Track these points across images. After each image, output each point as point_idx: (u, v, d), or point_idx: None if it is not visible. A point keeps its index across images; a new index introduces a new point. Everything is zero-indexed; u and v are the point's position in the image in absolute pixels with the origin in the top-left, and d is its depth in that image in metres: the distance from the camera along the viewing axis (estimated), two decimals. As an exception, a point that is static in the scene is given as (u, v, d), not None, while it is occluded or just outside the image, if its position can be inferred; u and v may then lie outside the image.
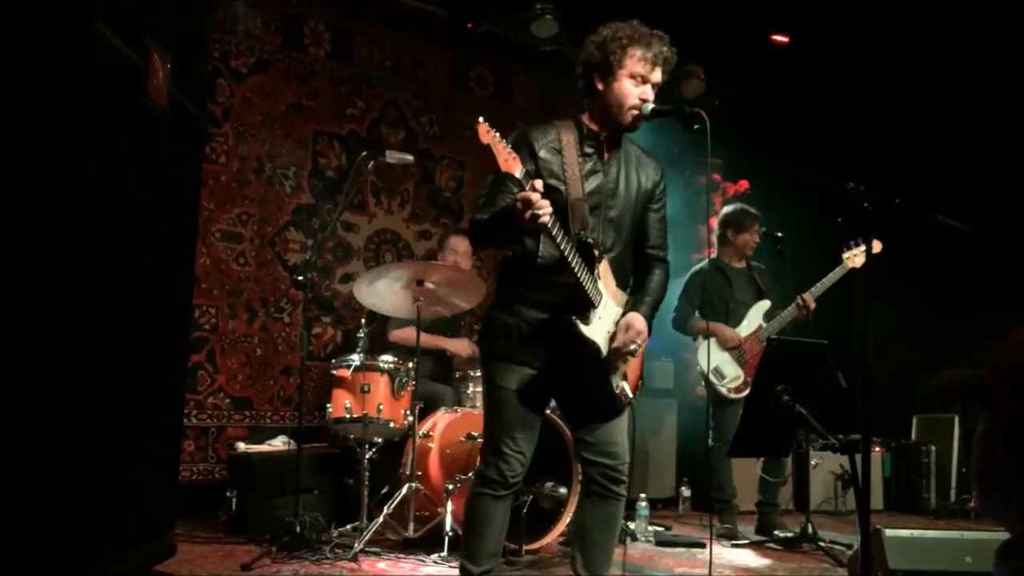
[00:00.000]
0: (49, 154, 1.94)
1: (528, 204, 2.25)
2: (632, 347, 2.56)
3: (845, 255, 4.55)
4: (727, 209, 4.99)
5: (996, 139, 5.86)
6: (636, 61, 2.53)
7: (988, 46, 5.60)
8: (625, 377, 2.64)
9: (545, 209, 2.27)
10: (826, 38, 6.00)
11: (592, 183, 2.58)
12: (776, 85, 6.26)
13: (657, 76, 2.57)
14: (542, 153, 2.54)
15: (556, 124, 2.62)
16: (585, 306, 2.50)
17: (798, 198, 5.73)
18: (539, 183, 2.30)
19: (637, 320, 2.59)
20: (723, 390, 4.62)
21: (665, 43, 2.57)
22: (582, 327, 2.48)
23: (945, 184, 5.56)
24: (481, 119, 2.25)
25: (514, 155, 2.28)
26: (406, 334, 4.44)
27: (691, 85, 6.02)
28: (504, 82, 6.40)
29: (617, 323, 2.59)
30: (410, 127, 5.92)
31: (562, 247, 2.39)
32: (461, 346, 4.76)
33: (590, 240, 2.52)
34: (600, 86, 2.57)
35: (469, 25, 5.83)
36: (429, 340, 4.60)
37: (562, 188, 2.53)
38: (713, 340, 4.62)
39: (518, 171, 2.27)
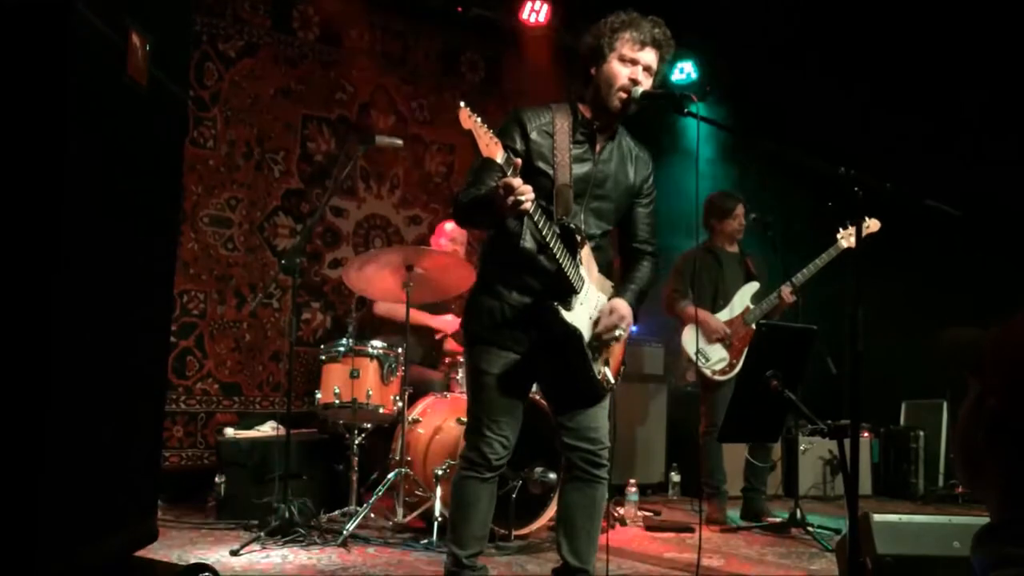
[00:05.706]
0: (34, 139, 1.90)
1: (510, 190, 2.24)
2: (616, 332, 2.56)
3: (840, 234, 4.45)
4: (708, 198, 4.89)
5: (990, 123, 5.86)
6: (625, 43, 2.53)
7: (972, 32, 5.59)
8: (607, 363, 2.63)
9: (527, 195, 2.25)
10: (819, 24, 5.98)
11: (580, 170, 2.58)
12: (769, 68, 6.23)
13: (648, 57, 2.55)
14: (533, 135, 2.54)
15: (552, 108, 2.62)
16: (567, 291, 2.49)
17: (789, 183, 5.72)
18: (518, 162, 2.28)
19: (621, 305, 2.58)
20: (708, 372, 4.61)
21: (659, 27, 2.57)
22: (564, 313, 2.47)
23: (937, 168, 5.55)
24: (462, 104, 2.23)
25: (495, 140, 2.26)
26: (390, 307, 4.43)
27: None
28: (495, 67, 6.37)
29: (600, 309, 2.58)
30: (400, 112, 5.88)
31: (543, 231, 2.39)
32: (445, 322, 4.70)
33: (573, 225, 2.51)
34: (593, 71, 2.58)
35: (460, 9, 5.79)
36: (414, 316, 4.54)
37: (550, 172, 2.53)
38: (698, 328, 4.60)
39: (499, 156, 2.25)
